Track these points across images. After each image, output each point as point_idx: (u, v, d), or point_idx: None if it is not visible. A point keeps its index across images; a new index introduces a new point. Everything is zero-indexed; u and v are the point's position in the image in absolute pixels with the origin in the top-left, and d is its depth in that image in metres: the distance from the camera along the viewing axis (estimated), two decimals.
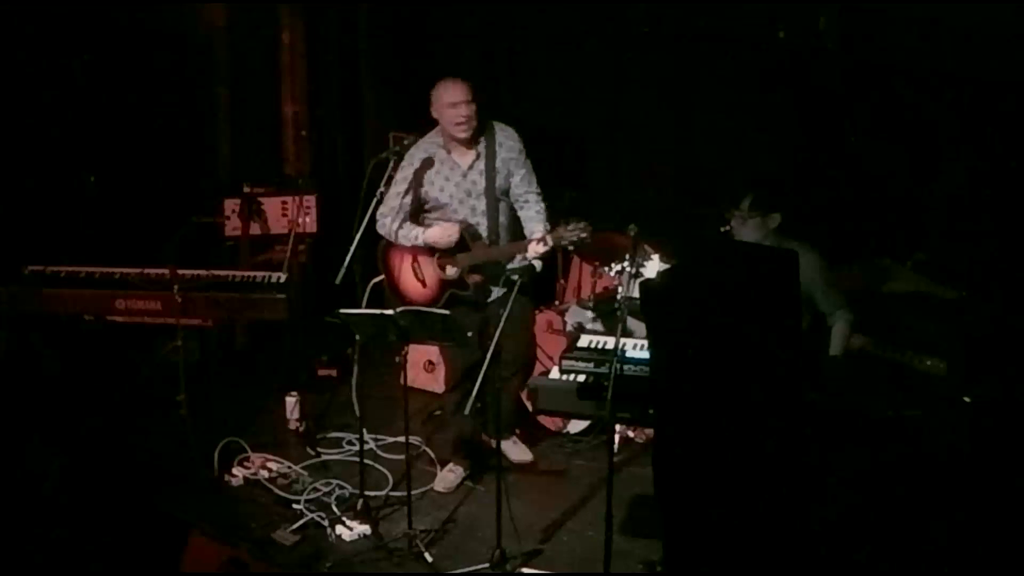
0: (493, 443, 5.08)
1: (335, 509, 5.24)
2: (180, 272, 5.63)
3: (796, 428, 3.84)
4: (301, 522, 5.15)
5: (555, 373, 4.80)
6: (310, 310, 6.30)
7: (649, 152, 6.69)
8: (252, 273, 6.06)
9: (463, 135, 5.17)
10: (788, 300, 3.83)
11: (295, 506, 5.28)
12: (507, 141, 5.26)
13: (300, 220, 6.55)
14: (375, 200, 5.44)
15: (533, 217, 5.27)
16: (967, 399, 4.45)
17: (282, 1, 7.32)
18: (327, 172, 7.48)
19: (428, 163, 5.24)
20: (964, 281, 5.20)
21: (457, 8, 7.12)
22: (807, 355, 4.52)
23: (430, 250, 5.28)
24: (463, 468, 5.55)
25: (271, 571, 4.81)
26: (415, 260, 5.33)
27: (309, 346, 6.53)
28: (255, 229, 6.61)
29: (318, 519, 5.16)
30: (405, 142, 5.93)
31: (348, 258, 5.14)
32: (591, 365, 4.71)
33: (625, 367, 4.47)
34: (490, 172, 5.21)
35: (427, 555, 4.87)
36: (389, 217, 5.26)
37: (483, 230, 5.24)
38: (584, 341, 4.91)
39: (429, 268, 5.30)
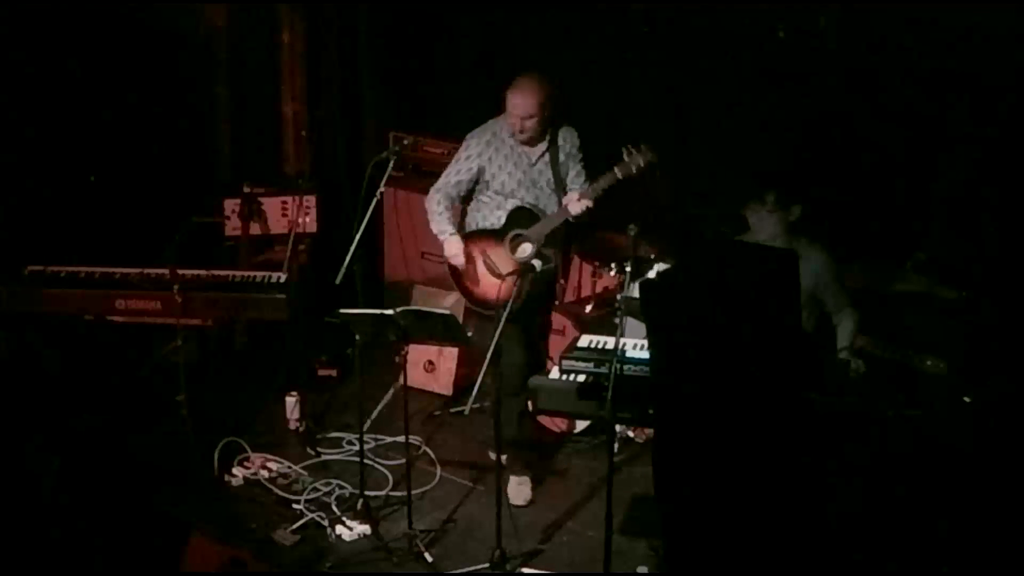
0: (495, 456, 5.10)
1: (335, 509, 5.24)
2: (180, 272, 5.63)
3: (796, 428, 3.84)
4: (301, 522, 5.15)
5: (555, 373, 4.80)
6: (310, 310, 6.30)
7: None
8: (252, 273, 6.06)
9: (524, 140, 5.24)
10: (788, 300, 3.83)
11: (295, 506, 5.28)
12: (570, 137, 5.36)
13: (300, 220, 6.54)
14: (375, 200, 5.45)
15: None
16: (967, 399, 4.45)
17: (282, 1, 7.32)
18: (327, 172, 7.47)
19: (497, 148, 5.27)
20: (964, 281, 5.20)
21: (457, 8, 7.12)
22: (807, 355, 4.51)
23: (495, 239, 5.31)
24: (528, 476, 5.50)
25: (271, 571, 4.81)
26: (485, 255, 5.32)
27: (309, 346, 6.53)
28: (255, 229, 6.60)
29: (318, 519, 5.16)
30: (405, 142, 5.95)
31: (348, 258, 5.15)
32: (591, 365, 4.71)
33: (625, 367, 4.47)
34: (555, 165, 5.30)
35: (427, 555, 4.87)
36: (437, 196, 5.32)
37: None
38: (584, 341, 4.91)
39: (503, 259, 5.29)
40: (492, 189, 5.31)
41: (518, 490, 5.41)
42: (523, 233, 5.27)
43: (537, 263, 5.08)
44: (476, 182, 5.34)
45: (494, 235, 5.33)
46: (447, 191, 5.34)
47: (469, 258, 5.34)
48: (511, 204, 5.30)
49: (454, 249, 5.29)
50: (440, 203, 5.33)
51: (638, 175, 5.16)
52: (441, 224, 5.32)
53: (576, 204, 5.22)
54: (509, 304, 4.81)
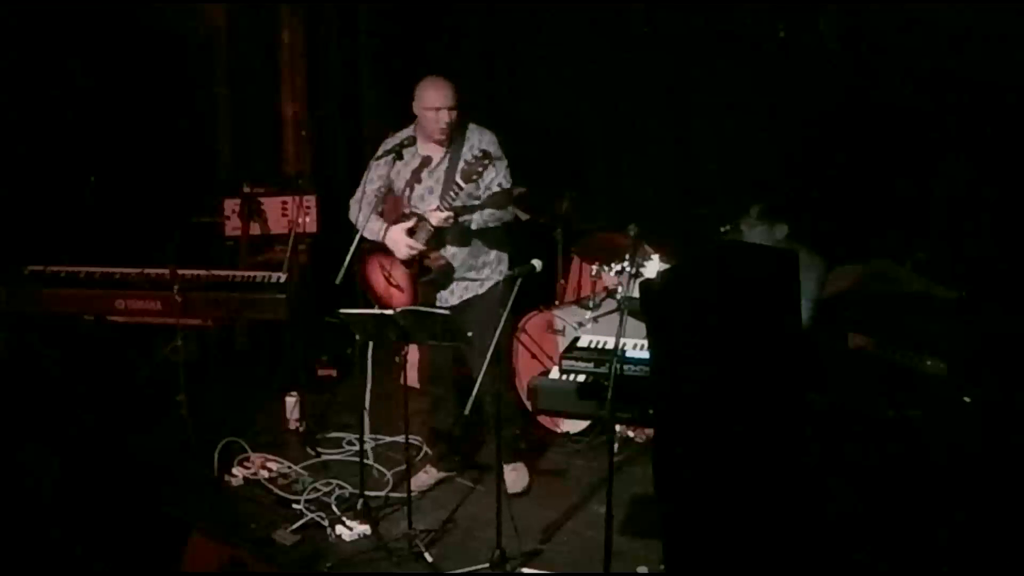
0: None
1: (335, 509, 5.24)
2: (180, 272, 5.63)
3: (796, 428, 3.84)
4: (301, 522, 5.15)
5: (555, 373, 4.80)
6: (310, 310, 6.30)
7: (649, 152, 6.69)
8: (252, 273, 6.06)
9: (440, 138, 5.18)
10: (788, 300, 3.83)
11: (295, 506, 5.28)
12: (483, 138, 5.23)
13: (300, 220, 6.55)
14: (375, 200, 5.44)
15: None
16: (967, 399, 4.44)
17: (282, 1, 7.32)
18: (327, 172, 7.48)
19: (398, 155, 5.21)
20: (964, 281, 5.20)
21: (457, 8, 7.12)
22: (807, 355, 4.51)
23: (384, 251, 5.26)
24: (437, 470, 5.56)
25: (271, 571, 4.81)
26: (383, 267, 5.28)
27: (309, 346, 6.53)
28: (255, 229, 6.61)
29: (318, 519, 5.16)
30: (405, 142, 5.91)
31: (348, 258, 5.14)
32: (591, 365, 4.71)
33: (625, 367, 4.47)
34: (451, 170, 5.17)
35: (427, 555, 4.87)
36: (356, 205, 5.26)
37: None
38: (584, 341, 4.91)
39: (397, 269, 5.26)
40: (405, 198, 5.25)
41: (513, 477, 5.42)
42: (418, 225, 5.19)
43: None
44: (389, 193, 5.30)
45: (382, 248, 5.27)
46: (363, 202, 5.25)
47: (373, 271, 5.32)
48: (411, 212, 5.24)
49: (399, 241, 5.16)
50: (360, 211, 5.23)
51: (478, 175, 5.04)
52: (371, 223, 5.21)
53: (395, 235, 5.16)
54: (509, 304, 4.79)
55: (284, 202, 6.63)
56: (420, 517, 5.15)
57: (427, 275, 5.22)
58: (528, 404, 5.14)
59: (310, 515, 5.18)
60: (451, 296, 5.30)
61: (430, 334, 5.06)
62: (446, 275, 5.26)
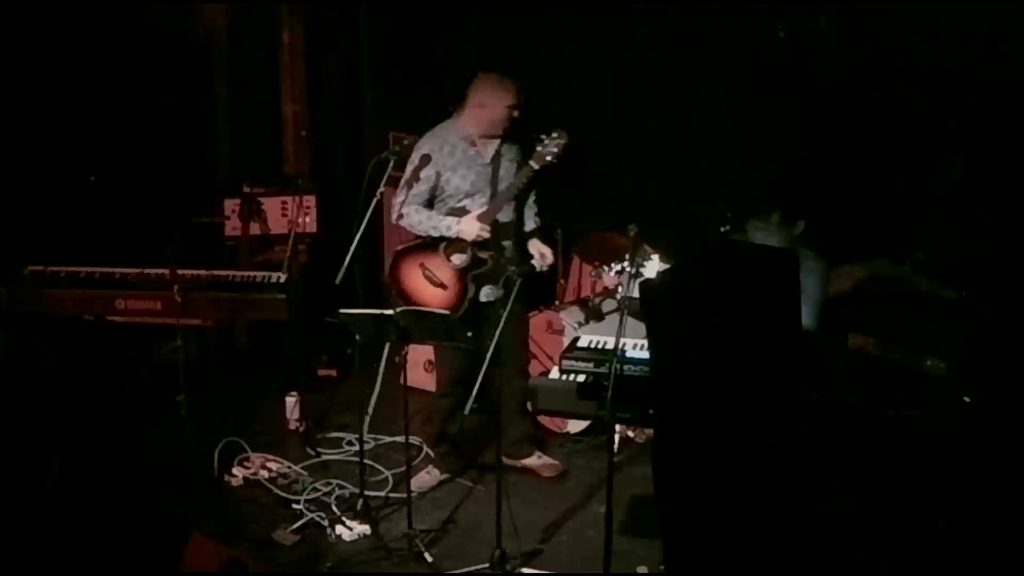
0: (508, 460, 5.23)
1: (335, 509, 5.24)
2: (180, 272, 5.63)
3: (796, 428, 3.84)
4: (301, 522, 5.15)
5: (555, 373, 4.80)
6: (310, 310, 6.30)
7: (649, 152, 6.69)
8: (252, 273, 6.06)
9: (500, 133, 5.28)
10: (788, 300, 3.83)
11: (295, 506, 5.28)
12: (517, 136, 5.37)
13: (300, 220, 6.55)
14: (375, 200, 5.43)
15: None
16: (967, 399, 4.44)
17: (282, 1, 7.32)
18: (327, 172, 7.48)
19: (449, 152, 5.28)
20: (964, 281, 5.20)
21: (457, 8, 7.12)
22: (807, 355, 4.51)
23: (434, 249, 5.30)
24: (439, 471, 5.57)
25: (271, 571, 4.81)
26: (424, 267, 5.32)
27: (309, 346, 6.53)
28: (255, 229, 6.61)
29: (318, 519, 5.16)
30: (405, 142, 5.93)
31: (348, 258, 5.14)
32: (591, 365, 4.70)
33: (625, 367, 4.47)
34: (508, 163, 5.33)
35: (427, 555, 4.87)
36: (412, 206, 5.28)
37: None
38: (584, 341, 4.91)
39: (442, 269, 5.30)
40: (447, 194, 5.30)
41: (420, 477, 5.47)
42: (456, 243, 5.29)
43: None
44: (434, 190, 5.32)
45: (428, 245, 5.34)
46: (414, 203, 5.29)
47: (410, 272, 5.35)
48: (463, 208, 5.29)
49: (473, 226, 5.24)
50: (419, 210, 5.29)
51: (556, 161, 5.18)
52: (435, 221, 5.29)
53: (469, 223, 5.23)
54: (510, 304, 4.80)
55: (284, 202, 6.63)
56: (420, 517, 5.15)
57: (481, 266, 5.24)
58: (528, 404, 5.15)
59: (310, 515, 5.18)
60: (498, 290, 5.30)
61: (430, 334, 5.06)
62: (498, 267, 5.26)
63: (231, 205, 6.58)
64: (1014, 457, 4.24)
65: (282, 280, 5.97)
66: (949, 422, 4.40)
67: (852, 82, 5.85)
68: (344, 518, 5.13)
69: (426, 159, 5.25)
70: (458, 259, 5.29)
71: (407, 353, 5.14)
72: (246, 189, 6.71)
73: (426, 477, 5.53)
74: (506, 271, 5.02)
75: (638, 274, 5.14)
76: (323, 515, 5.18)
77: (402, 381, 5.08)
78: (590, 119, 6.91)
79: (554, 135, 5.17)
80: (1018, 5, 5.18)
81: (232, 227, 6.58)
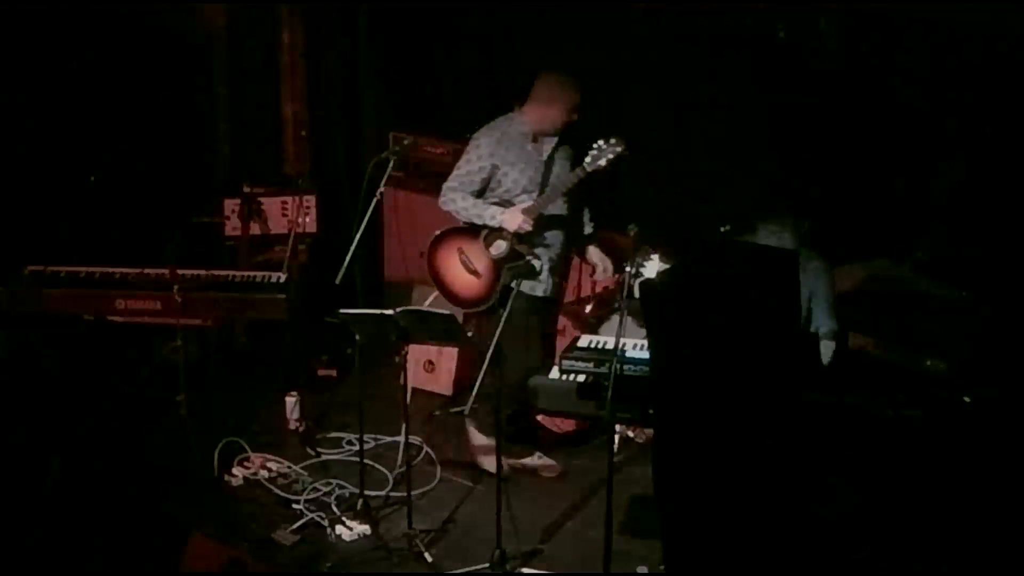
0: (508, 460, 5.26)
1: (335, 509, 5.24)
2: (180, 272, 5.63)
3: (796, 428, 3.84)
4: (301, 522, 5.15)
5: (555, 373, 4.80)
6: (310, 310, 6.30)
7: (649, 152, 6.68)
8: (252, 273, 6.06)
9: (558, 132, 5.33)
10: (788, 300, 3.83)
11: (295, 506, 5.28)
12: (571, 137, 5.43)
13: (300, 220, 6.55)
14: (375, 200, 5.44)
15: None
16: (967, 399, 4.44)
17: (282, 1, 7.32)
18: (327, 172, 7.48)
19: (508, 147, 5.31)
20: (964, 281, 5.20)
21: (457, 8, 7.12)
22: (807, 355, 4.51)
23: (474, 236, 5.35)
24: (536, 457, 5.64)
25: (271, 571, 4.81)
26: (462, 251, 5.36)
27: (309, 346, 6.53)
28: (255, 229, 6.60)
29: (318, 519, 5.16)
30: (405, 142, 5.94)
31: (348, 258, 5.14)
32: (591, 365, 4.71)
33: (625, 367, 4.47)
34: (562, 162, 5.39)
35: (427, 555, 4.87)
36: (456, 194, 5.32)
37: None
38: (584, 341, 4.91)
39: (479, 256, 5.34)
40: (503, 188, 5.33)
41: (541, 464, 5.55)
42: (499, 231, 5.32)
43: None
44: (488, 182, 5.34)
45: (469, 231, 5.37)
46: (463, 190, 5.35)
47: (446, 256, 5.38)
48: (511, 203, 5.31)
49: (516, 218, 5.26)
50: (465, 197, 5.33)
51: (609, 167, 5.21)
52: (480, 208, 5.31)
53: (513, 215, 5.26)
54: (510, 303, 4.80)
55: (284, 202, 6.62)
56: (420, 517, 5.15)
57: (518, 259, 5.25)
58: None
59: (310, 515, 5.18)
60: (539, 287, 5.35)
61: (430, 334, 5.06)
62: (532, 264, 5.26)
63: (231, 205, 6.57)
64: (1014, 457, 4.24)
65: (282, 280, 5.97)
66: (949, 422, 4.40)
67: (852, 82, 5.85)
68: (344, 518, 5.13)
69: (484, 149, 5.30)
70: (496, 249, 5.32)
71: (407, 353, 5.13)
72: (246, 189, 6.71)
73: (537, 461, 5.58)
74: (538, 271, 5.12)
75: (638, 274, 5.14)
76: (323, 515, 5.18)
77: (402, 381, 5.08)
78: (590, 119, 6.90)
79: (612, 142, 5.18)
80: (1018, 5, 5.18)
81: (232, 227, 6.58)
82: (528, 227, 5.26)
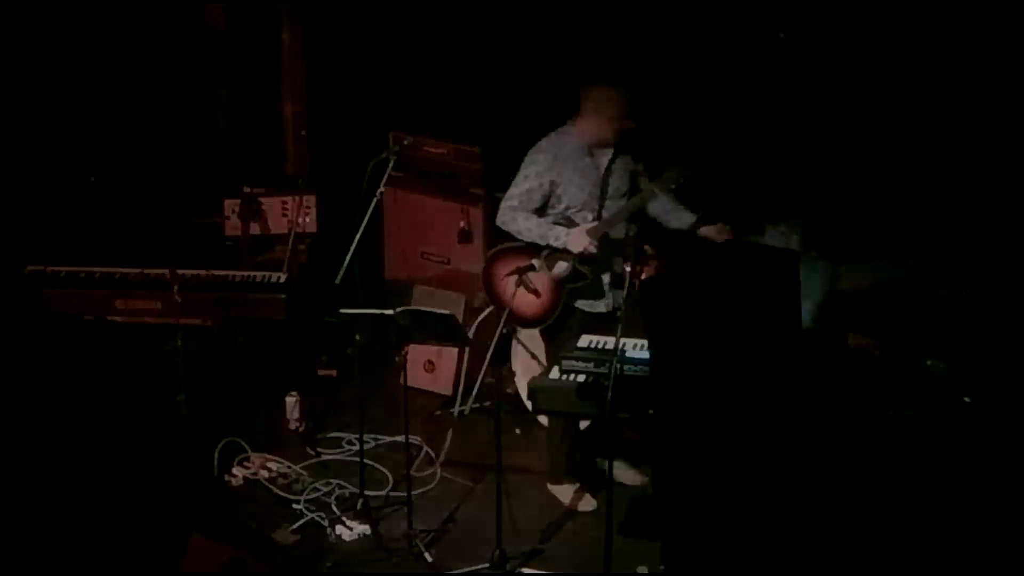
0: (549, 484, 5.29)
1: (335, 509, 5.24)
2: (180, 272, 5.63)
3: (795, 428, 3.84)
4: (301, 522, 5.15)
5: (555, 373, 4.80)
6: (310, 310, 6.30)
7: (649, 152, 6.68)
8: (252, 273, 6.06)
9: (612, 143, 5.19)
10: (788, 300, 3.83)
11: (295, 506, 5.28)
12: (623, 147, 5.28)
13: (300, 220, 6.54)
14: (375, 200, 5.44)
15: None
16: (967, 399, 4.44)
17: (282, 1, 7.32)
18: (327, 172, 7.47)
19: (565, 160, 5.16)
20: (964, 281, 5.20)
21: (457, 8, 7.12)
22: (807, 355, 4.51)
23: (532, 253, 5.18)
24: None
25: (271, 571, 4.81)
26: (521, 271, 5.13)
27: (309, 346, 6.53)
28: (255, 229, 6.60)
29: (318, 519, 5.16)
30: (405, 142, 5.93)
31: (348, 258, 5.14)
32: (591, 365, 4.71)
33: (625, 367, 4.47)
34: (620, 174, 5.23)
35: (427, 555, 4.87)
36: (516, 213, 5.17)
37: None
38: (584, 341, 4.91)
39: (540, 276, 5.16)
40: (563, 204, 5.17)
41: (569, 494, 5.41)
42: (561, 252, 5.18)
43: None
44: (548, 199, 5.19)
45: (526, 249, 5.21)
46: (524, 209, 5.17)
47: (504, 274, 5.21)
48: (570, 219, 5.19)
49: (582, 240, 5.09)
50: (528, 217, 5.16)
51: (675, 188, 5.15)
52: (543, 229, 5.14)
53: (579, 236, 5.10)
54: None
55: (284, 202, 6.62)
56: (420, 517, 5.15)
57: (580, 280, 5.16)
58: (528, 404, 5.15)
59: (310, 515, 5.19)
60: (599, 304, 5.24)
61: (430, 334, 5.06)
62: (597, 282, 5.21)
63: (231, 205, 6.57)
64: (1014, 457, 4.24)
65: (282, 280, 5.97)
66: (949, 422, 4.40)
67: (852, 82, 5.85)
68: (344, 518, 5.13)
69: (541, 165, 5.15)
70: (559, 269, 5.17)
71: (407, 353, 5.13)
72: (246, 189, 6.70)
73: (570, 490, 5.39)
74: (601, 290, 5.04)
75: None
76: (323, 515, 5.18)
77: (402, 381, 5.08)
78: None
79: (684, 169, 5.09)
80: (1018, 5, 5.18)
81: (232, 227, 6.57)
82: (593, 249, 5.10)
